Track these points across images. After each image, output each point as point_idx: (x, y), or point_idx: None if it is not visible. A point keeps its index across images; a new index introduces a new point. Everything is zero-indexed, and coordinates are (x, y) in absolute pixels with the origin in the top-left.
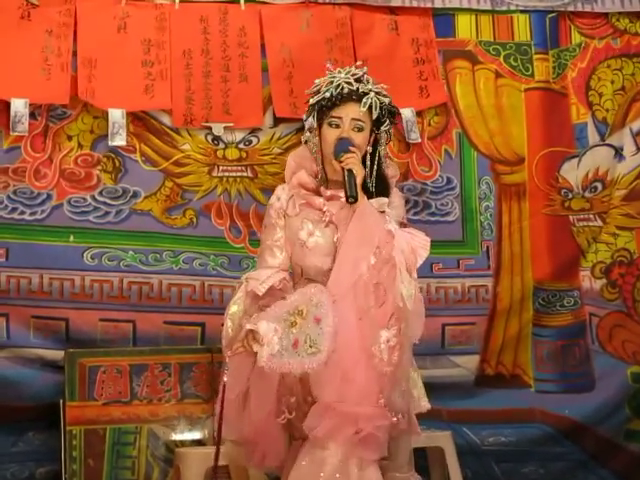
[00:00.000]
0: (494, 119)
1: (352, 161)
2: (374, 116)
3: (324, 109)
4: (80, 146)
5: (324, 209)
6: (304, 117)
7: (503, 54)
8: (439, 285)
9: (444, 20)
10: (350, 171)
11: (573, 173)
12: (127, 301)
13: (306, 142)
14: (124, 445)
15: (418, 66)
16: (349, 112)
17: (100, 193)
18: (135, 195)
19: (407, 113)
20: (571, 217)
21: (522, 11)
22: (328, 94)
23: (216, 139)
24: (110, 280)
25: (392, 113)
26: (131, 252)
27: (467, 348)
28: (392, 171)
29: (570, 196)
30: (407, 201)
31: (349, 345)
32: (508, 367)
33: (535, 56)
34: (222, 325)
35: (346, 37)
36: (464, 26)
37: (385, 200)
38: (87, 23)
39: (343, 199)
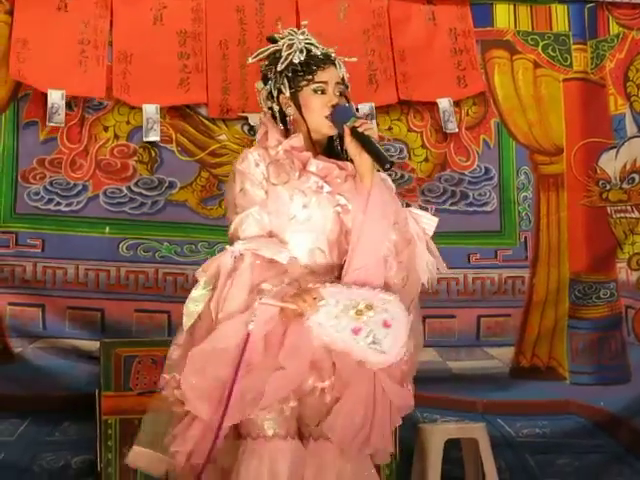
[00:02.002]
0: (533, 109)
1: (369, 126)
2: (343, 75)
3: (299, 75)
4: (116, 137)
5: (328, 180)
6: (259, 85)
7: (541, 44)
8: (476, 276)
9: (482, 10)
10: (371, 137)
11: (611, 164)
12: (162, 292)
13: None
14: None
15: (456, 56)
16: (332, 76)
17: (136, 184)
18: (171, 186)
19: (444, 103)
20: (608, 208)
21: (560, 1)
22: (297, 59)
23: (252, 129)
24: (145, 271)
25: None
26: (166, 243)
27: (502, 340)
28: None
29: (608, 187)
30: (445, 191)
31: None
32: (543, 359)
33: (573, 46)
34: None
35: (383, 27)
36: (502, 16)
37: (385, 175)
38: (123, 15)
39: (344, 171)
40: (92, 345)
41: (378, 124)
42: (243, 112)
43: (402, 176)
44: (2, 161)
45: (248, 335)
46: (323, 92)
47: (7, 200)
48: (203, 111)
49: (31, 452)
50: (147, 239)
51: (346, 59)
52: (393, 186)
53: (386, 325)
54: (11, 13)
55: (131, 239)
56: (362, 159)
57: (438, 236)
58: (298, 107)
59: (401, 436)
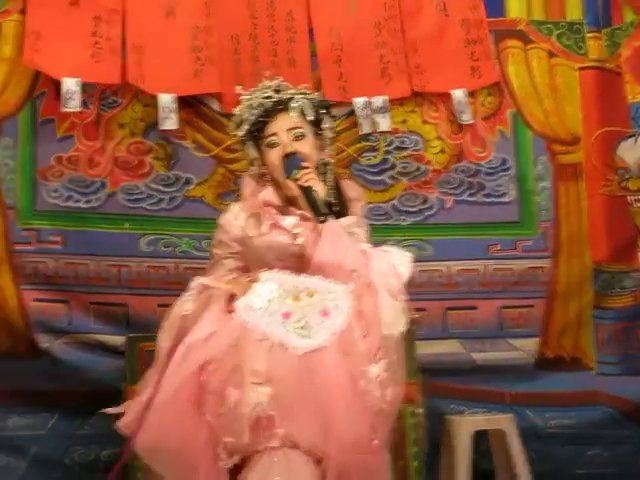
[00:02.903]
0: (549, 99)
1: (309, 176)
2: (309, 117)
3: (256, 133)
4: (132, 134)
5: (297, 233)
6: (239, 150)
7: (555, 33)
8: (496, 267)
9: (494, 0)
10: (309, 188)
11: (630, 153)
12: (184, 287)
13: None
14: None
15: (469, 47)
16: (282, 124)
17: (153, 180)
18: (187, 182)
19: (459, 94)
20: (628, 197)
21: None
22: (253, 117)
23: None
24: (166, 266)
25: (326, 107)
26: (186, 239)
27: (526, 331)
28: (355, 193)
29: (627, 176)
30: (462, 182)
31: (335, 383)
32: (568, 350)
33: (588, 35)
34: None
35: (394, 20)
36: (515, 5)
37: (354, 219)
38: (135, 10)
39: (313, 221)
40: (117, 340)
41: (393, 116)
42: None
43: (418, 168)
44: (21, 159)
45: (184, 316)
46: (274, 145)
47: (27, 197)
48: (217, 107)
49: (63, 446)
50: (167, 234)
51: (304, 86)
52: (360, 230)
53: (323, 314)
54: (24, 12)
55: (151, 235)
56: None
57: (457, 227)
58: (265, 163)
59: (428, 428)
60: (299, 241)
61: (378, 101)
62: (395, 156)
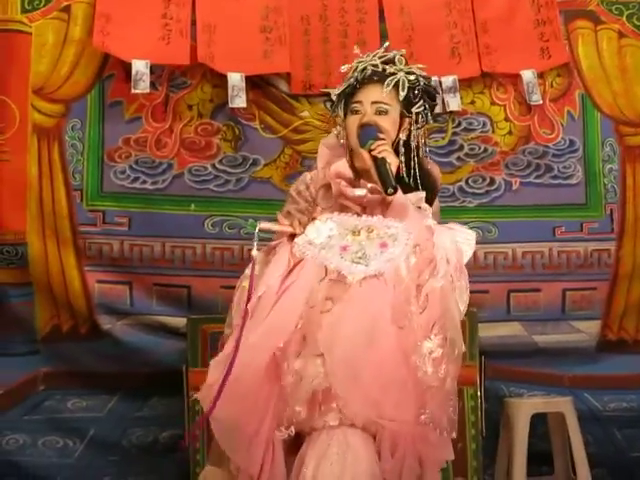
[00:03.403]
0: (617, 80)
1: (383, 148)
2: (401, 96)
3: (348, 97)
4: (200, 115)
5: (365, 205)
6: (332, 110)
7: (626, 13)
8: (561, 249)
9: None
10: (383, 159)
11: None
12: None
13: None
14: None
15: (539, 27)
16: (369, 95)
17: (220, 162)
18: (255, 163)
19: (528, 75)
20: None
21: None
22: (352, 80)
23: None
24: (231, 248)
25: (428, 93)
26: (251, 220)
27: (588, 313)
28: (436, 171)
29: None
30: (529, 164)
31: (388, 356)
32: (630, 332)
33: None
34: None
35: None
36: None
37: (422, 194)
38: None
39: (372, 195)
40: (179, 322)
41: (461, 97)
42: (326, 88)
43: (485, 149)
44: (88, 140)
45: (253, 260)
46: (357, 112)
47: (94, 179)
48: (285, 88)
49: (120, 427)
50: (232, 216)
51: (419, 67)
52: (426, 207)
53: (382, 246)
54: None
55: (216, 216)
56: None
57: (523, 209)
58: (346, 130)
59: (488, 410)
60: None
61: (448, 81)
62: (463, 137)
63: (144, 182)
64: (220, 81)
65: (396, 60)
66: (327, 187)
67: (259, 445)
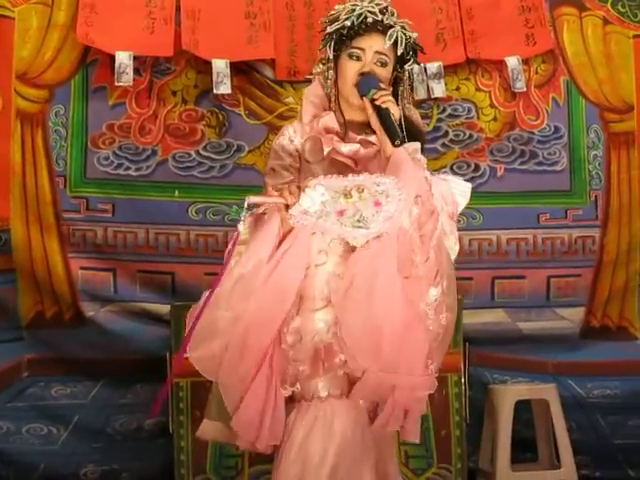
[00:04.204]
0: (602, 66)
1: (388, 98)
2: (399, 52)
3: (343, 39)
4: (184, 101)
5: (357, 159)
6: (321, 45)
7: (610, 0)
8: (545, 236)
9: None
10: (387, 110)
11: None
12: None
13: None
14: None
15: (524, 14)
16: (373, 44)
17: (204, 148)
18: (239, 149)
19: (513, 61)
20: None
21: None
22: (349, 22)
23: None
24: (215, 235)
25: (415, 52)
26: (235, 207)
27: (572, 300)
28: (419, 120)
29: None
30: (514, 150)
31: (395, 306)
32: (614, 319)
33: None
34: None
35: None
36: None
37: (417, 145)
38: None
39: (375, 146)
40: (163, 308)
41: (446, 84)
42: (310, 74)
43: (470, 136)
44: (72, 126)
45: (237, 234)
46: (358, 59)
47: (77, 165)
48: (270, 74)
49: (104, 414)
50: (216, 203)
51: (407, 22)
52: (422, 158)
53: (376, 204)
54: None
55: (200, 203)
56: (382, 133)
57: (507, 196)
58: (336, 71)
59: (472, 397)
60: (360, 167)
61: (433, 67)
62: (448, 124)
63: (128, 168)
64: (204, 67)
65: (389, 11)
66: (314, 140)
67: (258, 407)
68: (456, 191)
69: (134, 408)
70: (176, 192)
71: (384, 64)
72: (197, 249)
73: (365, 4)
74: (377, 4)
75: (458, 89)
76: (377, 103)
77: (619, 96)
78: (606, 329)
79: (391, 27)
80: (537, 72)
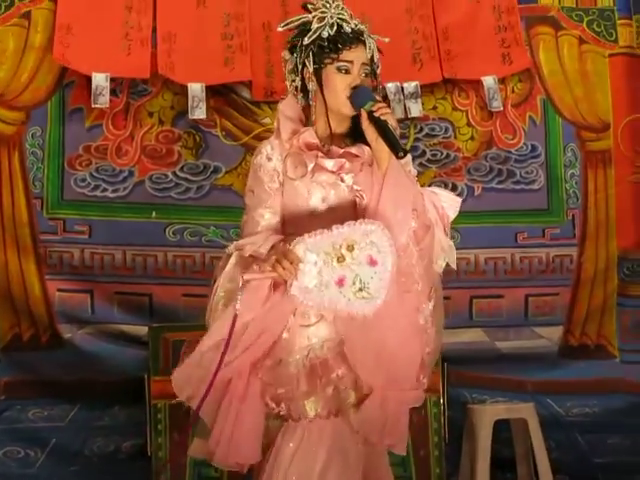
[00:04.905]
0: (579, 85)
1: (386, 110)
2: (375, 59)
3: (325, 52)
4: (161, 122)
5: (344, 174)
6: (286, 55)
7: (586, 20)
8: (523, 255)
9: None
10: (386, 122)
11: None
12: (210, 276)
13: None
14: None
15: (500, 33)
16: (359, 55)
17: (181, 169)
18: (216, 170)
19: (489, 81)
20: None
21: None
22: (326, 33)
23: None
24: (192, 255)
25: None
26: (212, 227)
27: (551, 319)
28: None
29: None
30: (491, 169)
31: (396, 322)
32: (592, 337)
33: (618, 22)
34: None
35: (426, 6)
36: None
37: (408, 158)
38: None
39: (359, 158)
40: (141, 330)
41: (423, 103)
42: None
43: (448, 155)
44: (49, 148)
45: (235, 317)
46: (347, 72)
47: (54, 187)
48: (247, 95)
49: (82, 437)
50: (193, 224)
51: (378, 38)
52: (414, 170)
53: (372, 262)
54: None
55: (177, 224)
56: (378, 145)
57: (485, 215)
58: (320, 84)
59: (450, 417)
60: (347, 182)
61: (410, 86)
62: (425, 143)
63: (105, 190)
64: (181, 89)
65: (353, 17)
66: (295, 156)
67: (229, 426)
68: (446, 204)
69: (111, 430)
70: (153, 213)
71: (367, 75)
72: (175, 270)
73: (333, 11)
74: (342, 8)
75: (435, 108)
76: (376, 115)
77: (595, 114)
78: (584, 347)
79: (362, 32)
80: (514, 91)
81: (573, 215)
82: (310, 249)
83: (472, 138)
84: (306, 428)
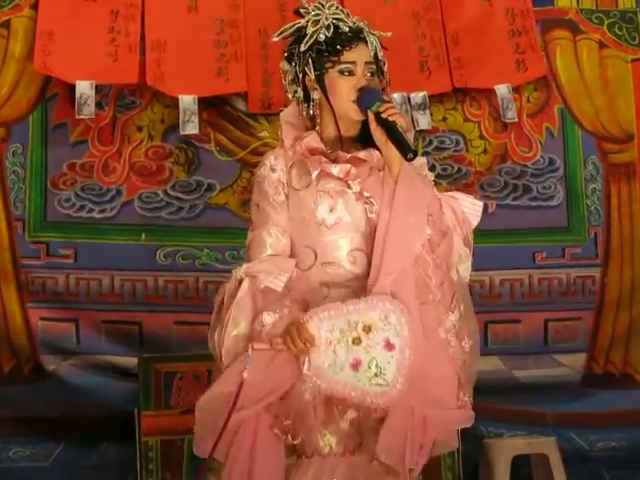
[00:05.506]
0: (599, 93)
1: (394, 110)
2: (380, 56)
3: (324, 56)
4: (150, 137)
5: (351, 180)
6: (284, 66)
7: (607, 22)
8: (542, 276)
9: None
10: (395, 123)
11: None
12: (204, 302)
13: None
14: None
15: (514, 38)
16: (361, 55)
17: (173, 187)
18: (210, 188)
19: (503, 89)
20: None
21: None
22: (322, 36)
23: None
24: (185, 280)
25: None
26: (206, 250)
27: (572, 345)
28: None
29: None
30: (506, 185)
31: (417, 336)
32: (618, 365)
33: None
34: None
35: (434, 9)
36: None
37: (423, 160)
38: (155, 3)
39: (367, 164)
40: (130, 361)
41: (432, 114)
42: (286, 106)
43: (459, 170)
44: (31, 167)
45: (242, 383)
46: (350, 73)
47: (37, 208)
48: (242, 107)
49: (67, 478)
50: (186, 246)
51: (381, 34)
52: (431, 175)
53: (389, 346)
54: (36, 7)
55: (169, 246)
56: (388, 147)
57: (500, 234)
58: (324, 90)
59: (465, 452)
60: (355, 188)
61: (417, 97)
62: (435, 157)
63: (91, 210)
64: (172, 100)
65: (346, 11)
66: (299, 165)
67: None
68: (467, 210)
69: (99, 470)
70: (143, 235)
71: (373, 74)
72: (166, 296)
73: (327, 12)
74: (337, 8)
75: (445, 120)
76: (384, 116)
77: (618, 124)
78: (609, 376)
79: (362, 30)
80: (529, 100)
81: (595, 233)
82: (324, 325)
83: (485, 151)
84: (319, 466)
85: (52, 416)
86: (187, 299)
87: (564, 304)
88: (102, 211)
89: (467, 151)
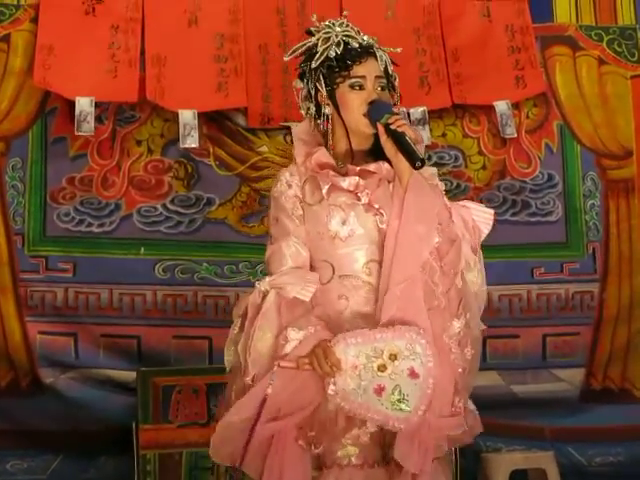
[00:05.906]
0: (598, 109)
1: (403, 122)
2: (390, 71)
3: (335, 71)
4: (150, 151)
5: (360, 193)
6: (297, 84)
7: (606, 39)
8: (540, 292)
9: (541, 3)
10: (403, 133)
11: None
12: (202, 316)
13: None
14: (202, 470)
15: (513, 54)
16: (371, 69)
17: (172, 201)
18: (209, 202)
19: (502, 106)
20: None
21: None
22: (333, 53)
23: None
24: (184, 294)
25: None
26: (205, 264)
27: (571, 361)
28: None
29: None
30: (505, 200)
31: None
32: (616, 381)
33: None
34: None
35: (434, 25)
36: (563, 9)
37: (434, 170)
38: (155, 18)
39: (376, 176)
40: (128, 375)
41: (431, 130)
42: (285, 121)
43: (458, 185)
44: (30, 181)
45: (265, 399)
46: (361, 88)
47: (36, 222)
48: (242, 121)
49: None
50: (185, 260)
51: (390, 50)
52: (440, 184)
53: (413, 375)
54: (36, 21)
55: (168, 260)
56: (398, 159)
57: (498, 249)
58: (335, 105)
59: (463, 466)
60: (363, 200)
61: (417, 112)
62: None
63: (90, 225)
64: (171, 115)
65: (356, 28)
66: (311, 180)
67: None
68: (478, 218)
69: None
70: (142, 249)
71: (384, 88)
72: (165, 310)
73: (338, 29)
74: (347, 26)
75: (444, 135)
76: (392, 127)
77: (617, 141)
78: (608, 391)
79: (372, 45)
80: (528, 116)
81: (594, 248)
82: (351, 351)
83: (484, 167)
84: (337, 476)
85: (50, 429)
86: (186, 313)
87: (562, 319)
88: (101, 225)
89: (466, 167)
